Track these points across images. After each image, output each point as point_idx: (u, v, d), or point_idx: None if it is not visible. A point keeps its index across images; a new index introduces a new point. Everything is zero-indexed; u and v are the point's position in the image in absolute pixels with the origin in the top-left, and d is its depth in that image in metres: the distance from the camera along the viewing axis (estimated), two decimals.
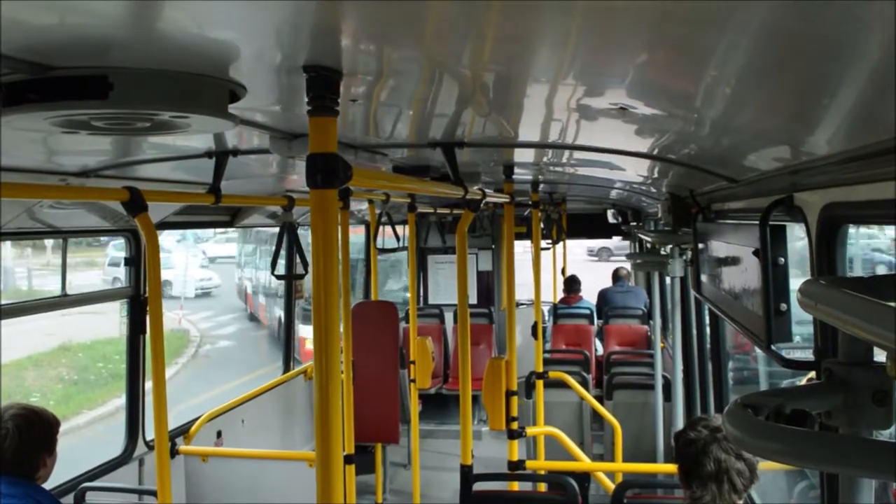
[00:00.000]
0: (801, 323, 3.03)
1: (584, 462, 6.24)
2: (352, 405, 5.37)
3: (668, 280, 7.62)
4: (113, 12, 1.48)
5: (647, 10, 1.32)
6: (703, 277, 4.08)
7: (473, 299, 13.14)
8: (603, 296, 12.72)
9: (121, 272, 10.94)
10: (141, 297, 5.46)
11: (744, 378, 7.85)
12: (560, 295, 13.35)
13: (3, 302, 6.46)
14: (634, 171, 5.02)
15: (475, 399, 7.58)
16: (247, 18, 1.52)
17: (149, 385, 4.60)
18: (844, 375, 1.60)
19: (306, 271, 5.40)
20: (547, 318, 12.67)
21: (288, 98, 2.47)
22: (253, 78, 2.11)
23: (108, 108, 1.92)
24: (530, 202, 7.29)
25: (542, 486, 6.67)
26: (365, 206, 8.09)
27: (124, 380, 5.69)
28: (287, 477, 5.58)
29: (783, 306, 2.57)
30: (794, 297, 2.48)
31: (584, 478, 6.68)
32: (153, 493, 4.22)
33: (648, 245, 9.49)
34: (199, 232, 31.39)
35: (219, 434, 6.73)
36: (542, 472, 6.01)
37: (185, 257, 29.30)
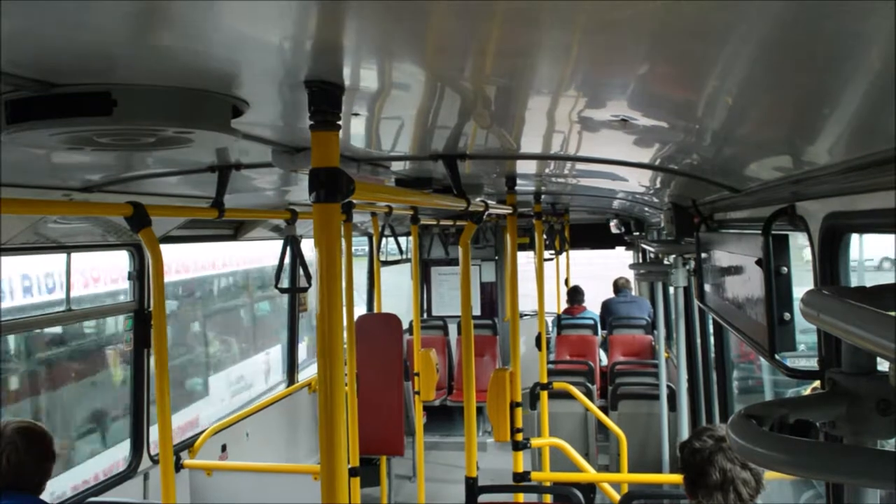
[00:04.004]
0: (806, 332, 3.02)
1: (590, 473, 6.24)
2: (356, 418, 5.38)
3: (671, 290, 7.62)
4: (116, 30, 1.49)
5: (647, 24, 1.33)
6: (707, 287, 4.08)
7: (477, 310, 13.14)
8: (606, 306, 12.72)
9: None
10: (145, 311, 5.47)
11: (749, 387, 7.84)
12: (563, 305, 13.34)
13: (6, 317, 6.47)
14: (637, 181, 5.03)
15: (480, 410, 7.57)
16: (249, 35, 1.53)
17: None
18: (848, 385, 1.60)
19: (310, 284, 5.42)
20: (551, 328, 12.66)
21: (290, 112, 2.48)
22: (255, 93, 2.12)
23: (111, 125, 1.93)
24: (533, 213, 7.30)
25: (548, 498, 6.65)
26: (368, 217, 8.11)
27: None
28: (292, 490, 5.57)
29: (786, 316, 2.57)
30: (797, 305, 2.48)
31: (590, 489, 6.69)
32: None
33: (651, 255, 9.50)
34: None
35: (223, 448, 6.73)
36: (548, 484, 6.00)
37: None
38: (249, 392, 10.92)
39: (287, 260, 5.66)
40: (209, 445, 6.34)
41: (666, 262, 6.49)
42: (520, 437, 5.58)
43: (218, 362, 10.81)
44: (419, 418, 7.96)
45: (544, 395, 7.01)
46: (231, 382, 10.91)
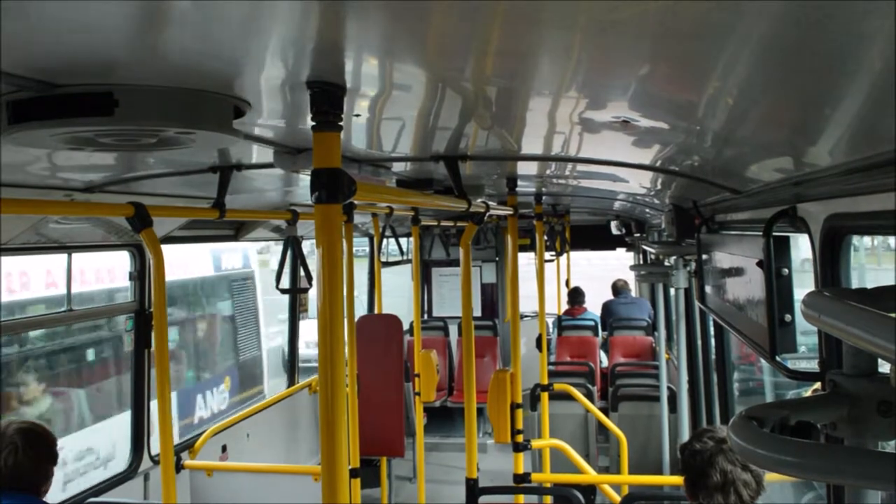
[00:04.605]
0: (807, 333, 3.03)
1: (590, 474, 6.23)
2: (357, 419, 5.38)
3: (671, 291, 7.62)
4: (118, 31, 1.49)
5: (648, 25, 1.33)
6: (708, 288, 4.08)
7: (478, 312, 13.14)
8: (607, 307, 12.71)
9: None
10: (146, 311, 5.47)
11: (749, 389, 7.83)
12: (564, 307, 13.34)
13: (6, 317, 6.47)
14: (637, 182, 5.03)
15: (480, 412, 7.59)
16: (251, 36, 1.54)
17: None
18: (849, 387, 1.60)
19: (310, 285, 5.42)
20: (551, 330, 12.66)
21: (292, 113, 2.48)
22: (257, 94, 2.12)
23: (113, 125, 1.93)
24: (534, 214, 7.30)
25: (548, 499, 6.66)
26: (369, 218, 8.11)
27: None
28: (292, 491, 5.58)
29: (787, 317, 2.57)
30: (798, 307, 2.48)
31: (590, 490, 6.68)
32: None
33: (652, 256, 9.49)
34: None
35: (224, 448, 6.73)
36: (548, 485, 6.01)
37: None
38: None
39: (288, 261, 5.65)
40: (210, 446, 6.34)
41: (667, 263, 6.50)
42: (520, 438, 5.58)
43: None
44: (419, 419, 7.96)
45: (545, 396, 7.01)
46: None
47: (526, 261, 9.48)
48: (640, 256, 12.80)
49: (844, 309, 1.32)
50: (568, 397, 7.82)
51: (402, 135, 3.13)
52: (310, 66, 1.82)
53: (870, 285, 1.58)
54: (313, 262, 2.42)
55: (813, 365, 2.49)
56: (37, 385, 7.31)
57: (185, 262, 10.19)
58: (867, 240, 6.10)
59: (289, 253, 5.40)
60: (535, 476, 5.69)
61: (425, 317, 13.21)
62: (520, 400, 5.58)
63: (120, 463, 6.40)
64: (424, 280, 13.45)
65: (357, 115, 2.50)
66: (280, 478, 5.82)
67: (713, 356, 5.57)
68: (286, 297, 8.60)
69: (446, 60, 1.79)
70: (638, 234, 10.96)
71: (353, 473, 5.05)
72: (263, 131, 2.87)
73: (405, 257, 10.00)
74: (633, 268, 12.58)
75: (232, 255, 11.71)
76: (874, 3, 1.01)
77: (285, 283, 6.60)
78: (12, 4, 1.25)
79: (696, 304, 5.10)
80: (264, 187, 5.19)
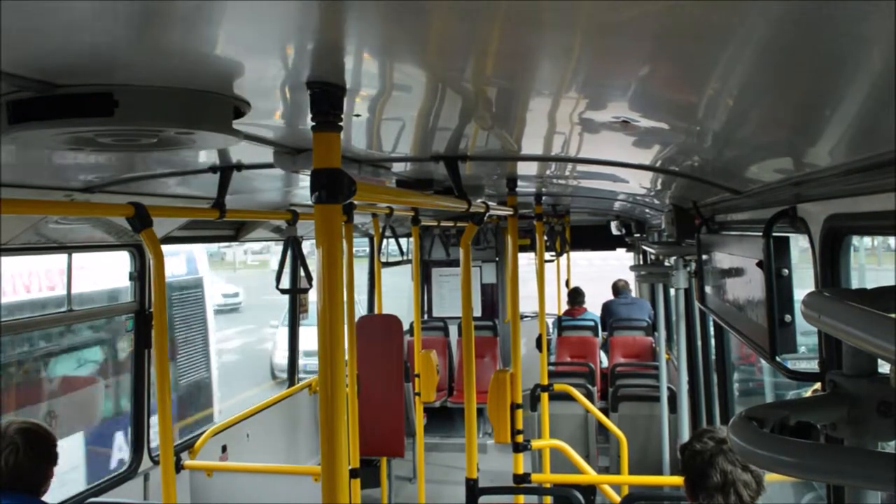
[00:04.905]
0: (807, 333, 3.02)
1: (590, 475, 6.23)
2: (357, 419, 5.38)
3: (671, 291, 7.63)
4: (118, 31, 1.49)
5: (648, 26, 1.33)
6: (708, 289, 4.08)
7: (478, 312, 13.14)
8: (607, 308, 12.72)
9: None
10: (146, 311, 5.47)
11: (749, 389, 7.84)
12: (564, 307, 13.34)
13: (6, 317, 6.47)
14: (637, 183, 5.03)
15: (480, 412, 7.60)
16: (251, 36, 1.54)
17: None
18: (849, 387, 1.61)
19: (311, 285, 5.42)
20: (551, 330, 12.66)
21: (292, 113, 2.48)
22: (257, 94, 2.12)
23: (113, 125, 1.93)
24: (534, 215, 7.30)
25: (548, 499, 6.66)
26: (369, 219, 8.12)
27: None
28: (292, 491, 5.58)
29: (787, 317, 2.57)
30: (798, 307, 2.48)
31: (590, 490, 6.68)
32: None
33: (652, 257, 9.50)
34: None
35: (224, 448, 6.73)
36: (548, 485, 6.01)
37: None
38: None
39: (288, 261, 5.66)
40: (210, 446, 6.34)
41: (667, 263, 6.50)
42: (520, 438, 5.58)
43: None
44: (419, 419, 7.96)
45: (545, 396, 7.01)
46: None
47: (526, 261, 9.47)
48: (640, 257, 12.80)
49: (844, 309, 1.32)
50: (568, 398, 7.82)
51: (402, 135, 3.13)
52: (310, 67, 1.82)
53: (870, 285, 1.58)
54: (313, 263, 2.42)
55: (813, 365, 2.49)
56: None
57: (106, 267, 7.58)
58: (867, 240, 6.10)
59: (289, 253, 5.40)
60: (535, 476, 5.69)
61: (425, 317, 13.21)
62: (520, 400, 5.58)
63: None
64: (424, 280, 13.44)
65: (357, 116, 2.50)
66: (280, 478, 5.82)
67: (713, 356, 5.57)
68: (269, 302, 8.53)
69: (446, 61, 1.79)
70: (638, 235, 10.96)
71: (353, 473, 5.05)
72: (263, 131, 2.87)
73: (405, 257, 10.00)
74: (633, 268, 12.58)
75: (173, 260, 9.42)
76: (874, 3, 1.01)
77: (285, 283, 6.61)
78: (13, 4, 1.25)
79: (696, 304, 5.10)
80: (264, 187, 5.19)
